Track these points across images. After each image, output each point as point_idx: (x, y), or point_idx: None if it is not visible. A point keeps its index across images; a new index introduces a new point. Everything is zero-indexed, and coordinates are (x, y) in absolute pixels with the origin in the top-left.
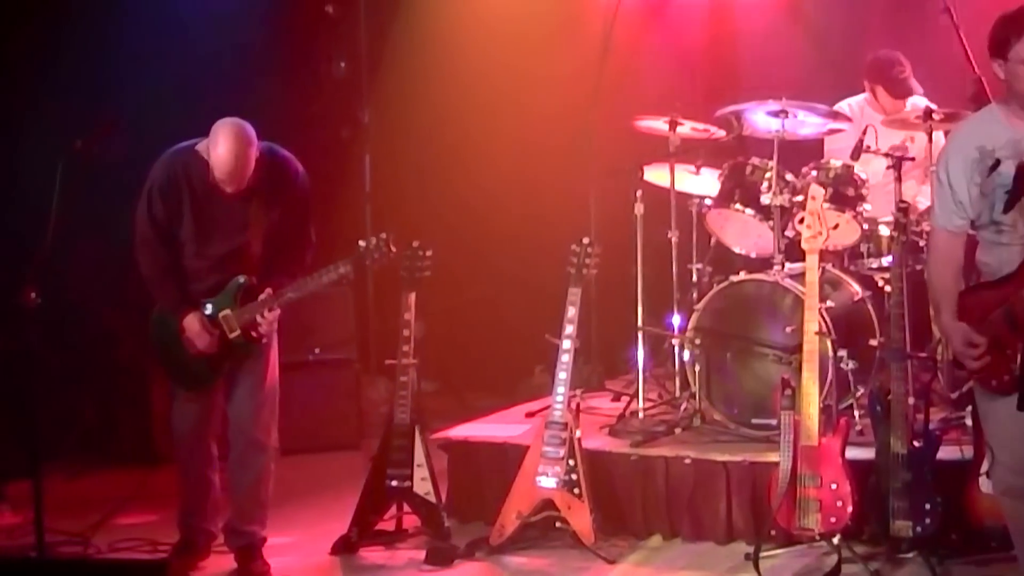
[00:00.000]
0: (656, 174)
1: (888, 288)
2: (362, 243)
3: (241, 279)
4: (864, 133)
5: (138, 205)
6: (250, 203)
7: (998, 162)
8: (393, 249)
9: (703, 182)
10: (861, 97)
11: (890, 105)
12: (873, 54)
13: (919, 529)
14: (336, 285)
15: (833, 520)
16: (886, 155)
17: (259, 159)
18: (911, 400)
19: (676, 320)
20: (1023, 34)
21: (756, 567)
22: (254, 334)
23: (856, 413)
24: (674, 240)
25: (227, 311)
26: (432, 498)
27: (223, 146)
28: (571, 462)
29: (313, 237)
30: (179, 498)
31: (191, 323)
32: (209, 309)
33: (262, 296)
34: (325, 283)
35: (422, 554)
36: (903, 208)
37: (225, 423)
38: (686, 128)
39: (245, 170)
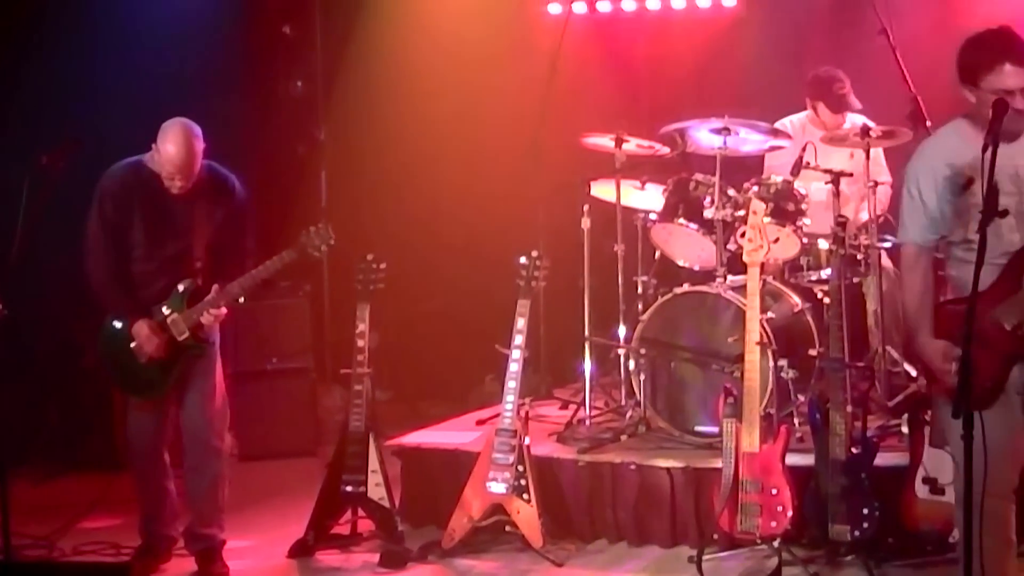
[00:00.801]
0: (602, 189)
1: (827, 300)
2: (305, 232)
3: (188, 283)
4: (804, 150)
5: (89, 214)
6: (195, 207)
7: (971, 180)
8: (332, 235)
9: (648, 197)
10: (803, 115)
11: (830, 120)
12: (814, 71)
13: (857, 533)
14: (284, 276)
15: (774, 524)
16: (825, 171)
17: (202, 169)
18: (849, 408)
19: (622, 331)
20: (994, 66)
21: (699, 569)
22: (202, 335)
23: (796, 421)
24: (620, 253)
25: (175, 315)
26: (386, 503)
27: (172, 140)
28: (520, 468)
29: (253, 247)
30: (138, 506)
31: (140, 328)
32: (158, 314)
33: (209, 296)
34: (271, 271)
35: (376, 557)
36: (841, 223)
37: (178, 432)
38: (631, 145)
39: (193, 163)
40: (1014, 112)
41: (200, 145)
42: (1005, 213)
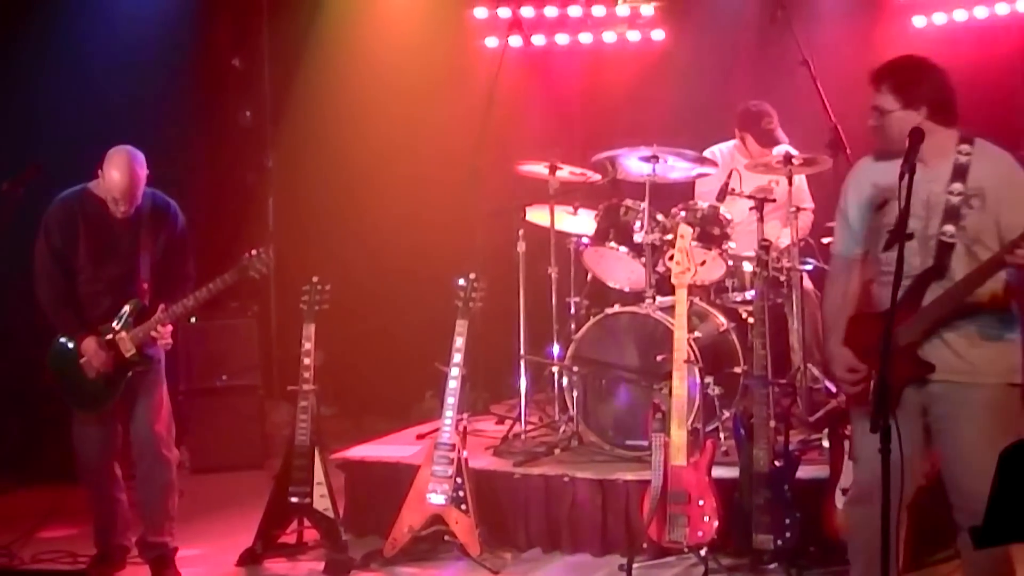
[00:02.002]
0: (537, 214)
1: (751, 320)
2: (246, 255)
3: (134, 303)
4: (729, 177)
5: (37, 240)
6: (138, 231)
7: (886, 201)
8: (273, 258)
9: (580, 222)
10: (731, 143)
11: (757, 152)
12: (744, 105)
13: (780, 542)
14: (226, 293)
15: (700, 534)
16: (749, 197)
17: (146, 196)
18: (772, 423)
19: (555, 349)
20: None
21: None
22: (148, 352)
23: (722, 435)
24: (554, 275)
25: (123, 333)
26: (331, 513)
27: (116, 167)
28: (459, 480)
29: (194, 272)
30: (92, 516)
31: (88, 345)
32: (107, 332)
33: (155, 316)
34: (214, 292)
35: (321, 565)
36: (765, 246)
37: (127, 445)
38: (565, 172)
39: (136, 189)
40: (872, 128)
41: (143, 172)
42: (911, 236)
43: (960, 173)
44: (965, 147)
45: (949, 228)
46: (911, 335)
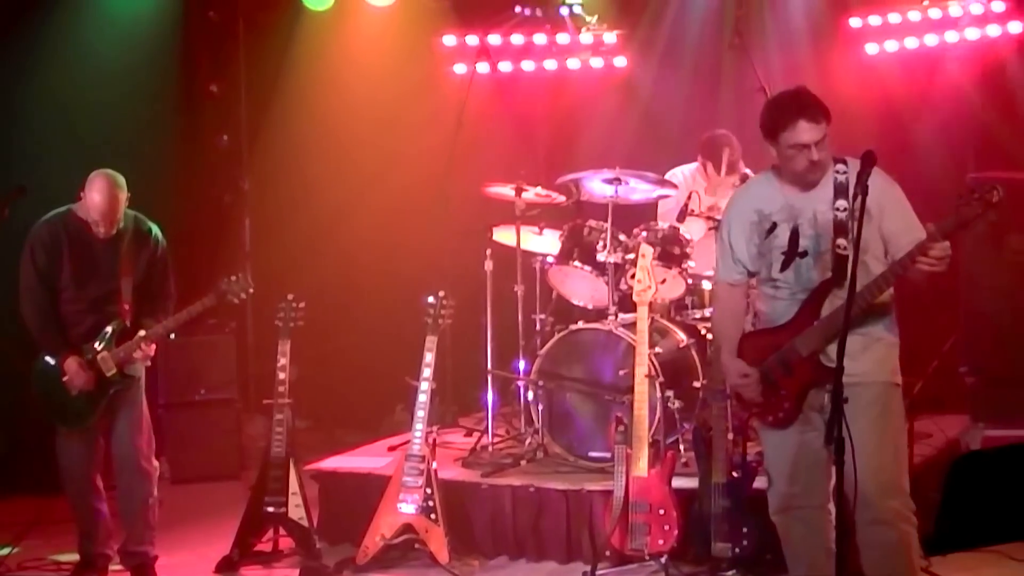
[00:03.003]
0: (504, 235)
1: (710, 336)
2: (225, 279)
3: (116, 323)
4: (688, 198)
5: (22, 260)
6: (120, 252)
7: (775, 225)
8: (251, 283)
9: (545, 242)
10: (692, 165)
11: (717, 180)
12: (710, 133)
13: (737, 550)
14: (204, 315)
15: (661, 542)
16: (708, 218)
17: (127, 219)
18: (730, 435)
19: (521, 365)
20: (788, 125)
21: None
22: (128, 371)
23: (681, 447)
24: (520, 293)
25: (104, 353)
26: (305, 522)
27: (97, 190)
28: (428, 490)
29: (174, 290)
30: (75, 527)
31: (70, 364)
32: (89, 351)
33: (136, 336)
34: (193, 315)
35: (296, 572)
36: None
37: (108, 458)
38: (530, 194)
39: (116, 211)
40: (811, 164)
41: (123, 195)
42: (805, 254)
43: (841, 191)
44: (841, 166)
45: (842, 242)
46: (813, 345)
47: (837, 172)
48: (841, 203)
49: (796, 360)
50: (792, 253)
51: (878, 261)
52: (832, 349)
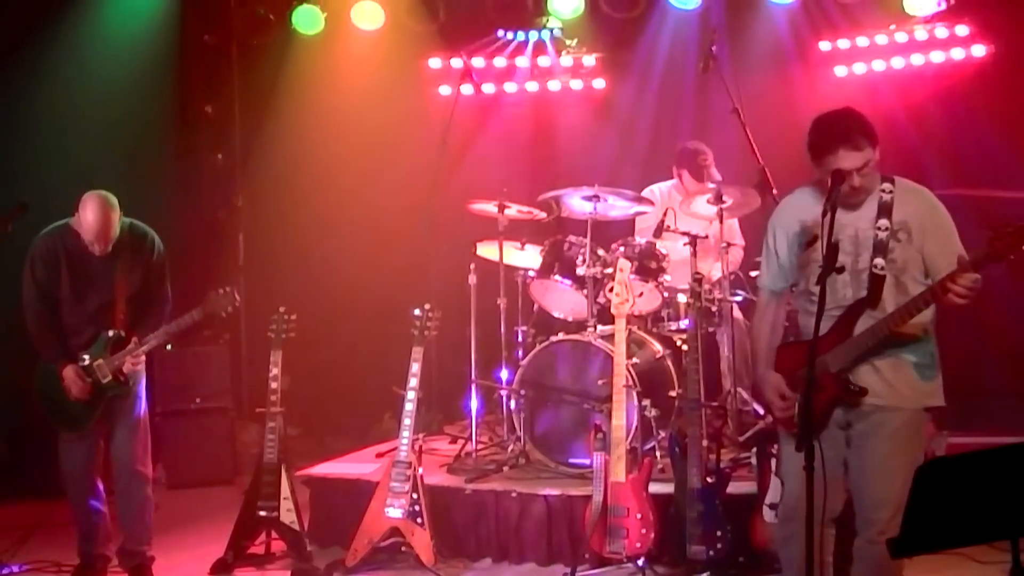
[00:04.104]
0: (487, 249)
1: (685, 347)
2: (213, 293)
3: (111, 333)
4: (665, 215)
5: (24, 273)
6: (116, 265)
7: (815, 238)
8: (238, 298)
9: (527, 256)
10: (669, 183)
11: (693, 187)
12: (683, 144)
13: (712, 553)
14: (193, 328)
15: (638, 545)
16: (684, 234)
17: (123, 228)
18: (705, 442)
19: (504, 374)
20: (830, 152)
21: None
22: (123, 379)
23: (658, 453)
24: (503, 306)
25: (100, 360)
26: (296, 526)
27: (90, 210)
28: (415, 495)
29: (169, 296)
30: (76, 528)
31: (68, 372)
32: (86, 360)
33: (130, 345)
34: (183, 327)
35: (288, 574)
36: (698, 279)
37: (108, 462)
38: (513, 210)
39: (109, 230)
40: (851, 188)
41: (115, 214)
42: (842, 270)
43: (885, 210)
44: (887, 185)
45: (879, 261)
46: (842, 362)
47: (883, 191)
48: (883, 222)
49: (824, 376)
50: (829, 267)
51: (917, 283)
52: (861, 370)
